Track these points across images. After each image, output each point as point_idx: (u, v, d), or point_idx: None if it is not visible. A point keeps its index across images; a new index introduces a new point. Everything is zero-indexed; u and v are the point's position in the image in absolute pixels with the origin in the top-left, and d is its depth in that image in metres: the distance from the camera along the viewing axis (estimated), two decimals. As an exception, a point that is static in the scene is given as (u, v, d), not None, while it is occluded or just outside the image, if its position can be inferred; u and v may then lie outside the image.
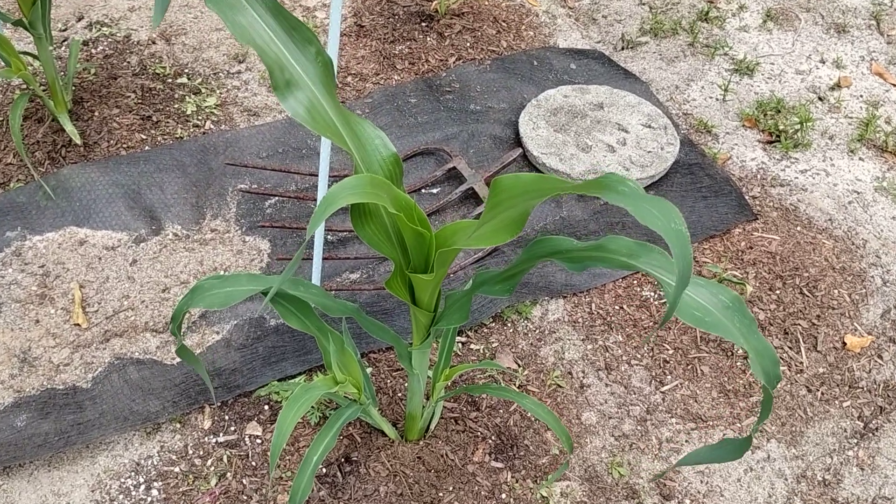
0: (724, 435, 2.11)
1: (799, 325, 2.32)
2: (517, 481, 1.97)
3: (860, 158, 2.90)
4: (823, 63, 3.32)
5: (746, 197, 2.67)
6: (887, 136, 2.94)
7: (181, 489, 1.94)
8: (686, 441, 2.09)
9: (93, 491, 1.94)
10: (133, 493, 1.93)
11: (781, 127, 2.95)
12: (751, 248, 2.50)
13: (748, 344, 1.38)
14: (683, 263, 1.14)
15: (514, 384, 2.16)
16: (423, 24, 3.25)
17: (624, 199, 1.18)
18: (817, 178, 2.80)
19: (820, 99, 3.15)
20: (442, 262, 1.45)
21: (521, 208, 1.31)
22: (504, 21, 3.31)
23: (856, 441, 2.14)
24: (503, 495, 1.94)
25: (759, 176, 2.79)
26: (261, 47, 1.39)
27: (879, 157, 2.91)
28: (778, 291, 2.38)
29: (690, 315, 1.41)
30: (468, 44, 3.18)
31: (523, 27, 3.32)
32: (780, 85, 3.18)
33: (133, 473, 1.97)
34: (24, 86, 2.78)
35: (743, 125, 3.00)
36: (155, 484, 1.95)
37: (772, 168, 2.83)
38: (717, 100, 3.09)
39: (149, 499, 1.92)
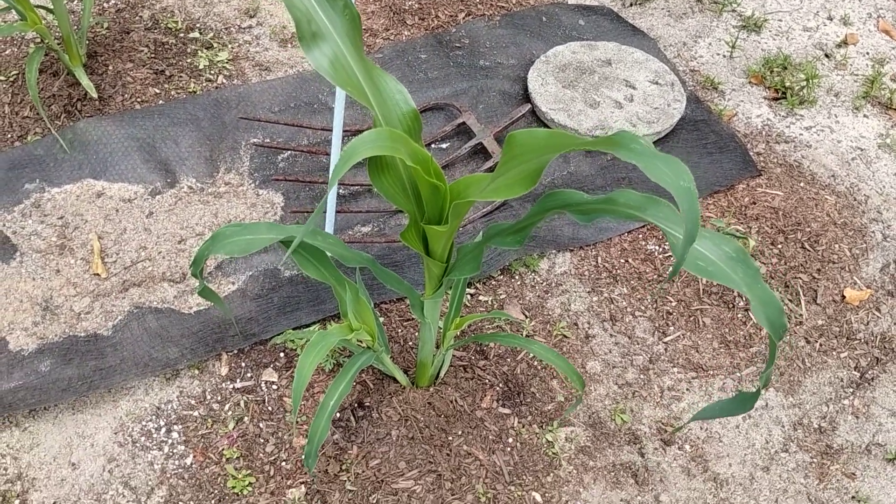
0: (723, 384, 2.18)
1: (799, 278, 2.38)
2: (523, 426, 2.05)
3: (864, 115, 2.93)
4: (831, 20, 3.33)
5: (751, 153, 2.72)
6: (892, 93, 2.97)
7: (200, 432, 2.02)
8: (687, 389, 2.17)
9: (115, 433, 2.01)
10: (154, 435, 2.01)
11: (787, 84, 2.98)
12: (754, 203, 2.55)
13: (752, 293, 1.43)
14: (691, 220, 1.19)
15: (522, 334, 2.23)
16: (433, -22, 3.26)
17: (636, 157, 1.22)
18: (822, 135, 2.84)
19: (826, 56, 3.17)
20: (456, 214, 1.50)
21: (536, 163, 1.36)
22: (513, -24, 3.31)
23: (851, 390, 2.22)
24: (510, 439, 2.02)
25: (764, 132, 2.83)
26: None
27: (884, 115, 2.94)
28: (780, 246, 2.44)
29: (694, 265, 1.46)
30: (477, -1, 3.20)
31: (532, -18, 3.33)
32: (787, 42, 3.20)
33: (154, 417, 2.04)
34: (39, 39, 2.81)
35: (749, 82, 3.03)
36: (175, 427, 2.03)
37: (777, 125, 2.86)
38: (724, 56, 3.12)
39: (169, 441, 2.00)
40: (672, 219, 1.47)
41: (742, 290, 1.41)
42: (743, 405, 1.55)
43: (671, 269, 1.37)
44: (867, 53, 3.19)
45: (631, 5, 3.32)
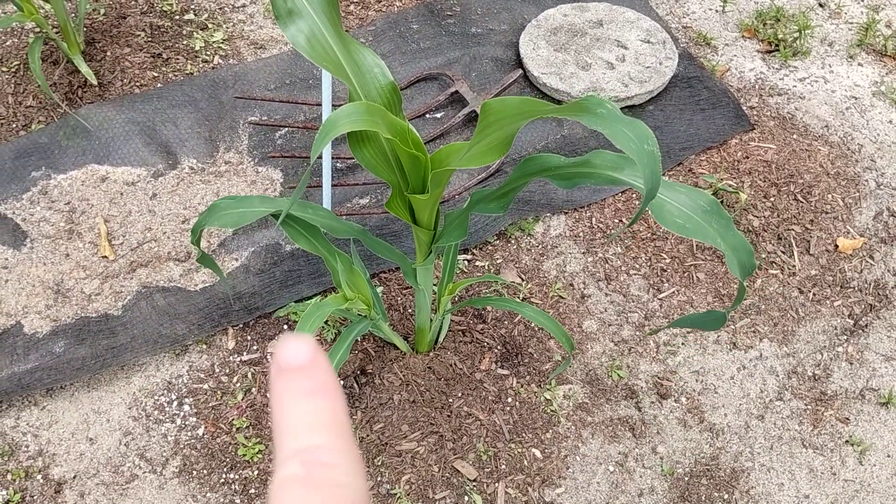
0: (718, 337, 2.22)
1: (792, 230, 2.41)
2: (522, 386, 2.11)
3: (859, 64, 2.93)
4: (825, -31, 3.31)
5: (744, 108, 2.73)
6: (886, 39, 2.97)
7: (210, 404, 2.10)
8: (682, 344, 2.21)
9: (130, 408, 2.10)
10: (167, 408, 2.09)
11: (780, 36, 2.98)
12: (747, 157, 2.58)
13: (725, 242, 1.47)
14: (652, 181, 1.24)
15: (519, 297, 2.28)
16: (423, -52, 3.27)
17: (600, 122, 1.27)
18: (815, 86, 2.85)
19: (821, 5, 3.16)
20: (437, 183, 1.55)
21: (508, 130, 1.40)
22: (503, -59, 3.31)
23: (845, 338, 2.25)
24: (509, 399, 2.08)
25: (757, 86, 2.84)
26: None
27: (879, 62, 2.94)
28: (772, 199, 2.46)
29: (673, 223, 1.50)
30: (468, -34, 3.21)
31: (523, -54, 3.33)
32: (780, -7, 3.19)
33: (166, 391, 2.12)
34: (38, 29, 2.86)
35: (742, 36, 3.03)
36: (186, 400, 2.11)
37: (770, 77, 2.87)
38: (716, 11, 3.12)
39: (181, 413, 2.08)
40: (646, 177, 1.51)
41: (717, 242, 1.46)
42: (714, 322, 1.61)
43: (632, 218, 1.42)
44: (862, 0, 3.17)
45: (623, -36, 3.32)
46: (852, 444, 2.07)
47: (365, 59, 1.56)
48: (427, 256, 1.77)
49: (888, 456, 2.06)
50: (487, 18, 3.01)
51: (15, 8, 2.58)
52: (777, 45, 2.97)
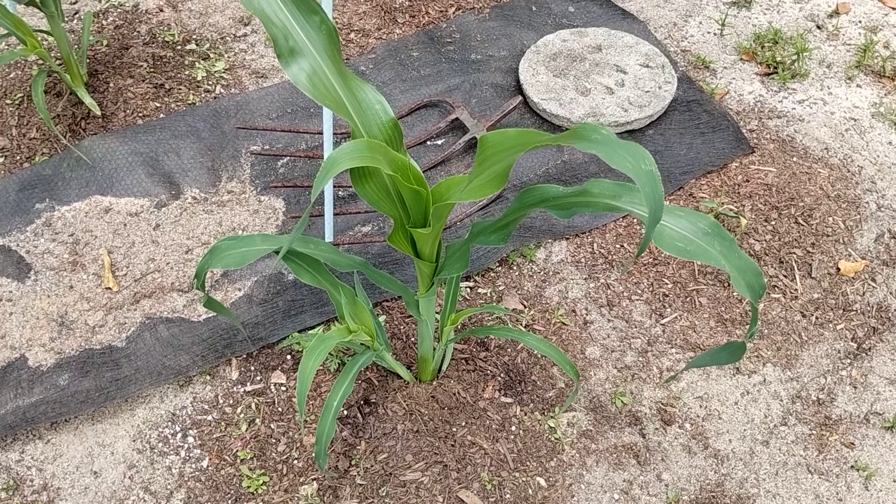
0: (721, 362, 2.22)
1: (794, 253, 2.41)
2: (526, 414, 2.11)
3: (858, 85, 2.95)
4: (822, -10, 3.33)
5: (744, 131, 2.74)
6: (885, 60, 2.98)
7: (215, 435, 2.10)
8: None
9: (134, 441, 2.10)
10: (171, 440, 2.10)
11: (779, 58, 2.99)
12: (747, 181, 2.58)
13: (730, 264, 1.48)
14: (654, 202, 1.24)
15: (521, 324, 2.28)
16: (422, -25, 3.30)
17: (596, 147, 1.28)
18: (814, 108, 2.86)
19: (818, 27, 3.18)
20: (438, 217, 1.56)
21: (507, 162, 1.42)
22: (502, -33, 3.34)
23: (849, 361, 2.25)
24: (513, 427, 2.08)
25: (756, 109, 2.85)
26: (267, 15, 1.48)
27: (877, 83, 2.95)
28: (773, 222, 2.47)
29: (673, 246, 1.51)
30: (467, -7, 3.23)
31: (521, -28, 3.36)
32: (777, 15, 3.21)
33: (170, 423, 2.13)
34: (41, 62, 2.89)
35: (741, 59, 3.05)
36: (190, 432, 2.11)
37: (769, 100, 2.89)
38: (714, 35, 3.14)
39: (186, 445, 2.08)
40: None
41: (721, 263, 1.46)
42: (732, 354, 1.62)
43: (639, 248, 1.43)
44: (859, 22, 3.19)
45: (621, -11, 3.34)
46: (858, 470, 2.06)
47: (366, 96, 1.57)
48: (429, 288, 1.77)
49: (894, 481, 2.05)
50: (487, 45, 3.03)
51: (18, 41, 2.61)
52: (776, 68, 2.99)
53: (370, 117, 1.57)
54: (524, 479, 2.01)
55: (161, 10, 3.13)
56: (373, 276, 1.82)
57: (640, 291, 2.36)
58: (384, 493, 1.97)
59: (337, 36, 1.54)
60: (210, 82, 2.89)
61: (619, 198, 1.55)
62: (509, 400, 2.13)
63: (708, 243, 1.50)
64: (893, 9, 3.25)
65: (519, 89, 2.88)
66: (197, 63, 2.94)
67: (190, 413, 2.14)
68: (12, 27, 2.49)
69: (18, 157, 2.65)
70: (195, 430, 2.11)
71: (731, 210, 2.47)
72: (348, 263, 1.76)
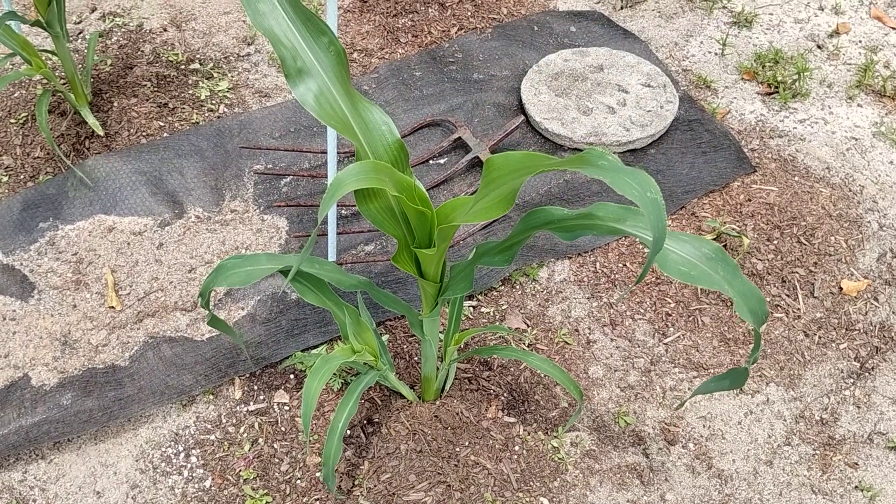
0: (725, 381, 2.22)
1: (796, 272, 2.42)
2: (529, 434, 2.11)
3: (858, 104, 2.96)
4: (822, 10, 3.35)
5: (745, 150, 2.75)
6: (885, 80, 2.99)
7: (217, 455, 2.09)
8: (689, 388, 2.21)
9: (137, 460, 2.10)
10: (174, 460, 2.09)
11: (780, 78, 3.01)
12: (749, 200, 2.59)
13: (733, 289, 1.49)
14: (658, 230, 1.25)
15: (524, 344, 2.29)
16: (425, -5, 3.33)
17: (602, 173, 1.29)
18: (815, 127, 2.87)
19: (819, 47, 3.20)
20: (443, 238, 1.57)
21: (512, 185, 1.43)
22: (504, -13, 3.37)
23: (852, 381, 2.25)
24: (516, 447, 2.08)
25: (757, 128, 2.87)
26: (276, 35, 1.50)
27: (878, 102, 2.97)
28: (776, 241, 2.47)
29: (677, 270, 1.52)
30: (469, 13, 3.26)
31: (523, -8, 3.39)
32: (778, 35, 3.23)
33: (173, 443, 2.12)
34: (46, 81, 2.90)
35: (742, 78, 3.06)
36: (193, 451, 2.11)
37: (770, 119, 2.90)
38: (715, 54, 3.15)
39: (189, 465, 2.08)
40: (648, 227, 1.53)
41: (724, 289, 1.47)
42: (736, 380, 1.63)
43: (640, 273, 1.44)
44: (860, 42, 3.21)
45: (622, 8, 3.36)
46: (862, 490, 2.06)
47: (373, 117, 1.58)
48: (433, 308, 1.78)
49: (898, 501, 2.05)
50: (489, 64, 3.05)
51: (23, 61, 2.62)
52: (776, 87, 3.00)
53: (376, 138, 1.58)
54: (528, 499, 2.01)
55: (165, 30, 3.15)
56: (377, 295, 1.82)
57: (642, 311, 2.36)
58: (387, 514, 1.97)
59: (345, 57, 1.55)
60: (213, 102, 2.91)
61: (623, 221, 1.56)
62: (512, 420, 2.13)
63: (711, 268, 1.51)
64: (893, 28, 3.27)
65: (521, 109, 2.89)
66: (200, 82, 2.95)
67: (193, 433, 2.14)
68: (18, 47, 2.50)
69: (22, 176, 2.66)
70: (198, 450, 2.11)
71: (733, 229, 2.47)
72: (353, 283, 1.77)
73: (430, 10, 3.26)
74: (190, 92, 2.92)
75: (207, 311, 1.74)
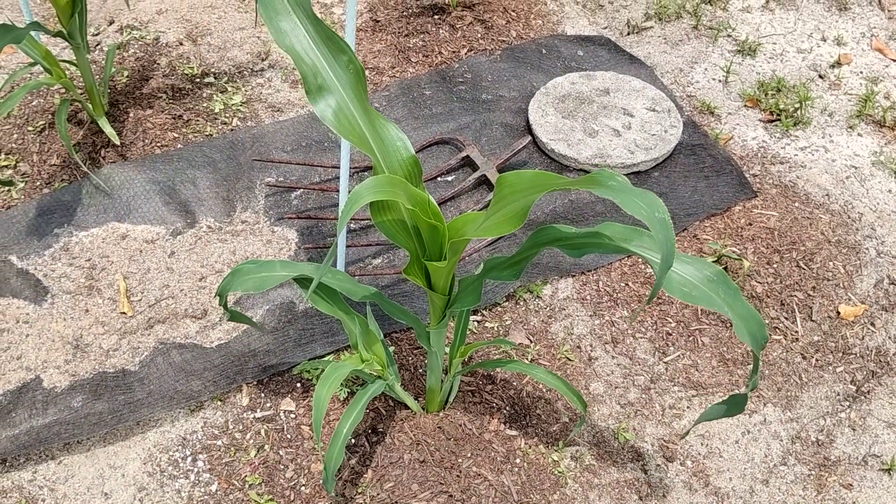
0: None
1: (795, 296, 2.47)
2: (530, 447, 2.15)
3: (858, 134, 3.02)
4: (825, 41, 3.42)
5: (747, 175, 2.81)
6: (885, 111, 3.06)
7: (224, 460, 2.13)
8: (688, 407, 2.26)
9: (145, 463, 2.13)
10: (181, 464, 2.13)
11: (782, 106, 3.07)
12: (750, 224, 2.65)
13: (733, 311, 1.54)
14: (667, 249, 1.31)
15: (527, 359, 2.33)
16: (436, 16, 3.40)
17: (612, 193, 1.34)
18: (816, 155, 2.93)
19: (821, 77, 3.26)
20: (454, 251, 1.62)
21: (524, 202, 1.48)
22: (513, 11, 3.44)
23: (848, 403, 2.29)
24: (517, 460, 2.12)
25: (759, 154, 2.93)
26: (298, 53, 1.55)
27: (878, 132, 3.03)
28: (775, 265, 2.53)
29: (679, 291, 1.57)
30: (479, 35, 3.32)
31: (532, 16, 3.46)
32: (781, 64, 3.30)
33: (180, 447, 2.16)
34: (64, 91, 2.96)
35: (745, 105, 3.13)
36: (200, 456, 2.14)
37: (772, 146, 2.96)
38: (719, 81, 3.22)
39: (195, 469, 2.12)
40: (655, 248, 1.59)
41: (724, 310, 1.53)
42: (736, 406, 1.69)
43: (650, 292, 1.49)
44: (861, 73, 3.28)
45: (628, 34, 3.43)
46: (856, 510, 2.10)
47: (389, 133, 1.64)
48: (441, 320, 1.82)
49: (891, 522, 2.09)
50: (497, 85, 3.11)
51: (42, 70, 2.68)
52: (778, 115, 3.07)
53: (391, 154, 1.63)
54: (528, 511, 2.05)
55: (181, 44, 3.21)
56: (387, 306, 1.87)
57: (644, 329, 2.41)
58: (390, 522, 2.01)
59: (363, 75, 1.61)
60: (227, 115, 2.97)
61: (629, 241, 1.61)
62: (514, 433, 2.17)
63: (713, 290, 1.56)
64: (894, 60, 3.34)
65: (528, 129, 2.95)
66: (215, 96, 3.02)
67: (200, 438, 2.18)
68: (40, 57, 2.57)
69: (38, 183, 2.71)
70: (205, 455, 2.15)
71: (734, 252, 2.53)
72: (363, 294, 1.82)
73: (440, 31, 3.33)
74: (204, 105, 2.98)
75: (225, 309, 1.80)
